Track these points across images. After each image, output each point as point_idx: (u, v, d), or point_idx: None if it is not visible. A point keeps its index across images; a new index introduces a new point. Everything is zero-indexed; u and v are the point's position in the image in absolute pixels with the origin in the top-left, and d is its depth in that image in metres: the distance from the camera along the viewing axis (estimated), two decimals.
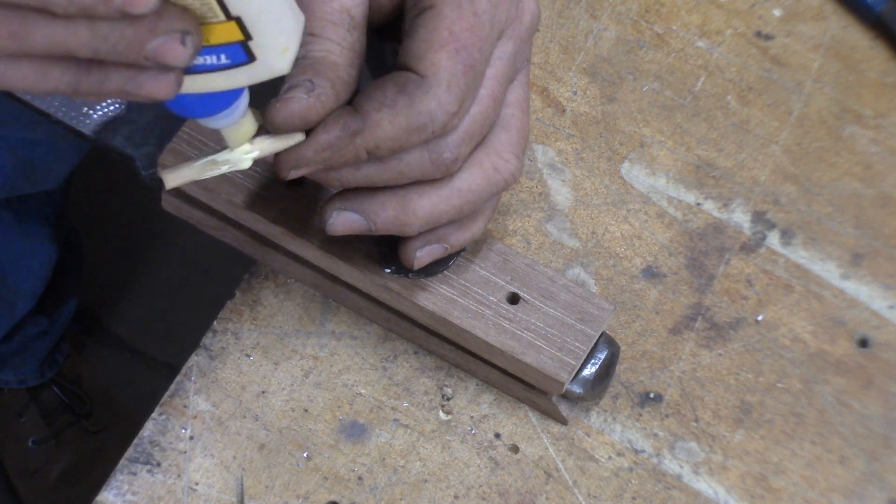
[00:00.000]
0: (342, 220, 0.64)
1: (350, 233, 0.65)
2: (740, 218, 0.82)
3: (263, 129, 0.60)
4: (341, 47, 0.61)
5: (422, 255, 0.68)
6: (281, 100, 0.59)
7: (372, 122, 0.59)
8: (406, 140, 0.60)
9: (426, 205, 0.64)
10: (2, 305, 1.51)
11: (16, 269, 1.50)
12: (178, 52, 0.49)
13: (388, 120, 0.59)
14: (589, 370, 0.73)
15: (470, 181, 0.64)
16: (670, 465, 0.75)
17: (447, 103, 0.60)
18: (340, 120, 0.60)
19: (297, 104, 0.59)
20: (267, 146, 0.60)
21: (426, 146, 0.61)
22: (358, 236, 0.72)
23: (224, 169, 0.60)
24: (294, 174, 0.61)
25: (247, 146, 0.60)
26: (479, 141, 0.64)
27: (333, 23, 0.62)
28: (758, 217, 0.82)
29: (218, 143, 0.68)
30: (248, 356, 0.76)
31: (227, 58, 0.52)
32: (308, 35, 0.61)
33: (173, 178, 0.59)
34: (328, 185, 0.63)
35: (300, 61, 0.60)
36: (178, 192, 0.75)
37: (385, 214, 0.64)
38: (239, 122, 0.58)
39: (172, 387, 0.75)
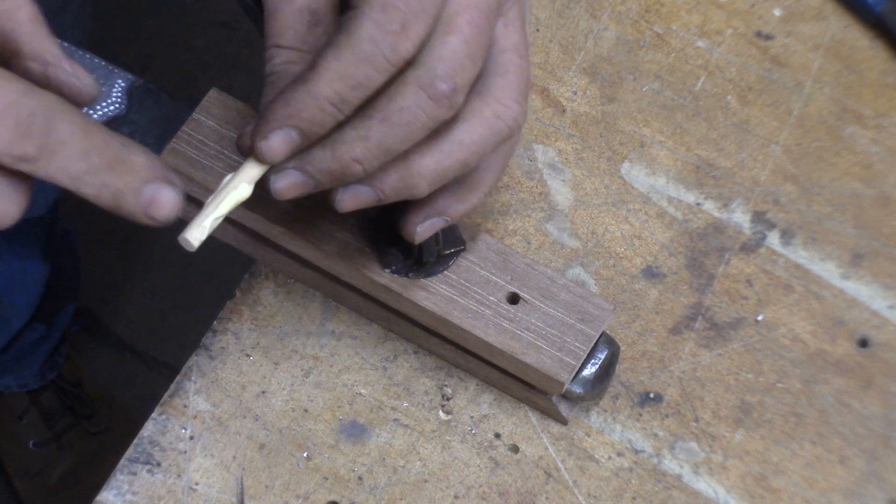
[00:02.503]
0: (350, 195, 0.63)
1: (360, 206, 0.63)
2: (740, 218, 0.82)
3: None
4: (301, 52, 0.62)
5: (423, 229, 0.66)
6: (240, 136, 0.62)
7: (320, 67, 0.58)
8: (362, 76, 0.58)
9: (429, 163, 0.62)
10: None
11: (9, 289, 1.50)
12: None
13: (333, 58, 0.58)
14: (589, 370, 0.73)
15: (471, 132, 0.62)
16: (670, 465, 0.75)
17: (386, 23, 0.58)
18: (294, 79, 0.60)
19: (247, 137, 0.61)
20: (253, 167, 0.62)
21: (417, 84, 0.59)
22: (357, 236, 0.72)
23: (232, 206, 0.61)
24: (268, 147, 0.60)
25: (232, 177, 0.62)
26: (474, 77, 0.61)
27: (293, 28, 0.62)
28: (758, 217, 0.82)
29: (217, 143, 0.68)
30: (248, 356, 0.76)
31: None
32: (273, 48, 0.62)
33: (196, 236, 0.60)
34: (348, 169, 0.61)
35: (265, 78, 0.62)
36: None
37: (390, 180, 0.62)
38: None
39: (172, 387, 0.75)
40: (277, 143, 0.60)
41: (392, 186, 0.62)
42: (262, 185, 0.62)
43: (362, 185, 0.62)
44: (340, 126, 0.60)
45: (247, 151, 0.61)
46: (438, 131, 0.62)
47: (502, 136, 0.63)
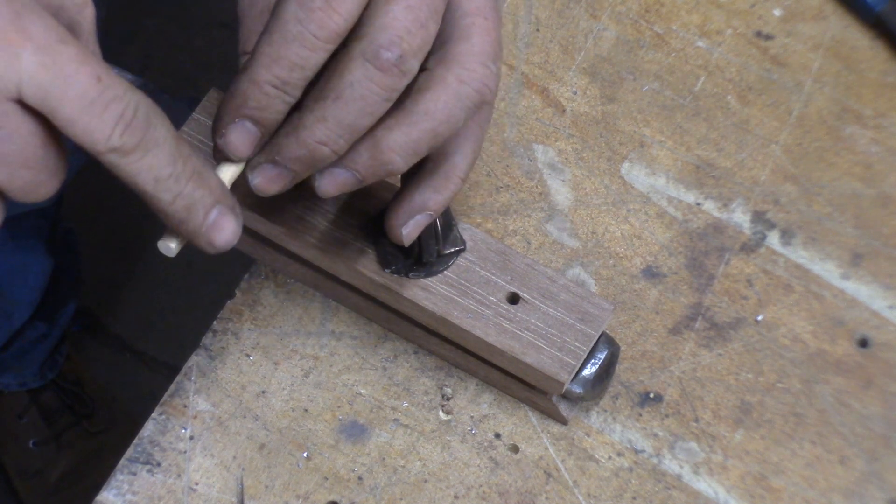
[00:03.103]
0: (328, 179, 0.62)
1: (341, 190, 0.63)
2: (740, 218, 0.82)
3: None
4: None
5: (408, 229, 0.66)
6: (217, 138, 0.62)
7: (255, 54, 0.59)
8: (295, 55, 0.58)
9: (398, 136, 0.61)
10: None
11: (11, 283, 1.50)
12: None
13: (266, 43, 0.58)
14: (589, 370, 0.73)
15: (436, 100, 0.61)
16: (670, 465, 0.75)
17: (309, 0, 0.58)
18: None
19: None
20: (224, 173, 0.62)
21: (362, 57, 0.59)
22: (357, 236, 0.72)
23: None
24: (226, 143, 0.60)
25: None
26: (426, 42, 0.60)
27: (256, 32, 0.62)
28: (758, 217, 0.82)
29: None
30: (248, 356, 0.76)
31: None
32: (242, 55, 0.63)
33: (177, 242, 0.61)
34: (317, 154, 0.61)
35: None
36: None
37: (362, 159, 0.61)
38: None
39: (172, 387, 0.75)
40: (235, 137, 0.60)
41: (365, 165, 0.62)
42: (247, 185, 0.62)
43: (337, 168, 0.62)
44: (300, 111, 0.60)
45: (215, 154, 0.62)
46: (403, 104, 0.61)
47: (471, 100, 0.62)
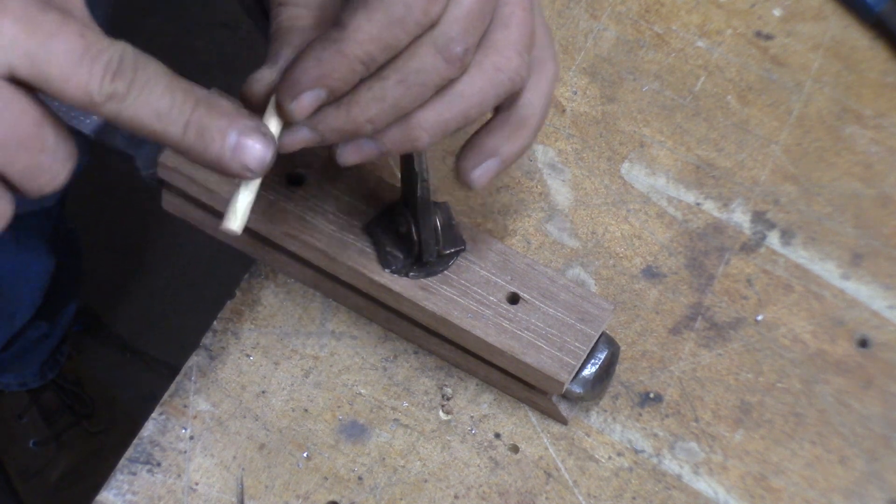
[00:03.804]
0: (353, 149, 0.62)
1: (362, 160, 0.63)
2: (740, 218, 0.82)
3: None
4: (308, 9, 0.62)
5: (479, 174, 0.66)
6: (249, 82, 0.61)
7: (351, 27, 0.58)
8: (392, 37, 0.58)
9: (430, 115, 0.62)
10: (1, 317, 1.51)
11: (14, 282, 1.50)
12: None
13: (365, 19, 0.58)
14: (589, 370, 0.73)
15: (472, 84, 0.62)
16: (670, 465, 0.75)
17: None
18: (320, 37, 0.59)
19: (260, 84, 0.60)
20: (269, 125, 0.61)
21: (434, 46, 0.59)
22: (357, 236, 0.72)
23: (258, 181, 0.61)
24: (298, 108, 0.59)
25: None
26: (482, 35, 0.61)
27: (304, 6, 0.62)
28: (758, 217, 0.82)
29: None
30: (248, 356, 0.76)
31: None
32: (278, 6, 0.62)
33: (235, 220, 0.60)
34: (360, 130, 0.61)
35: (270, 34, 0.62)
36: (178, 192, 0.75)
37: (391, 133, 0.62)
38: None
39: (172, 387, 0.75)
40: (308, 103, 0.60)
41: (394, 139, 0.62)
42: None
43: (363, 138, 0.62)
44: (355, 87, 0.60)
45: (255, 104, 0.60)
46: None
47: (503, 88, 0.63)
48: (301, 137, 0.61)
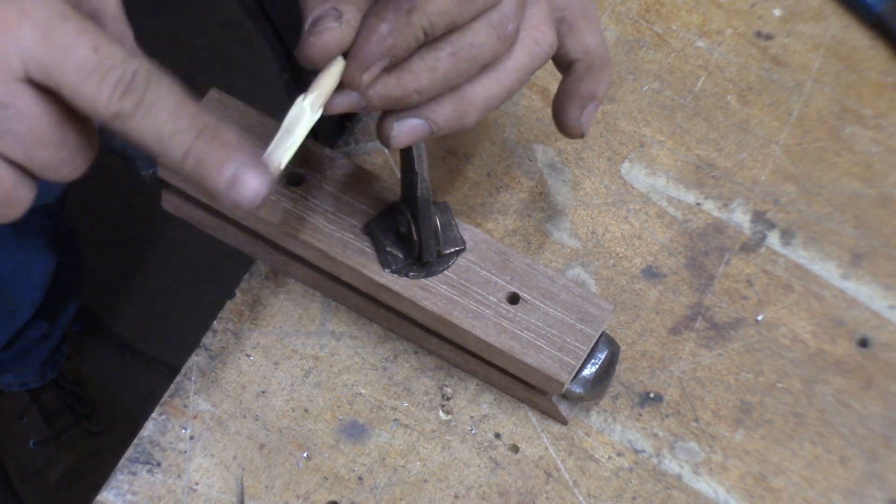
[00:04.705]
0: (406, 129, 0.62)
1: (413, 141, 0.63)
2: (740, 218, 0.82)
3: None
4: None
5: (585, 119, 0.69)
6: (313, 34, 0.59)
7: (422, 1, 0.59)
8: (460, 13, 0.59)
9: (480, 91, 0.63)
10: (1, 316, 1.51)
11: (14, 281, 1.50)
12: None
13: None
14: (589, 370, 0.73)
15: (516, 59, 0.63)
16: (670, 465, 0.75)
17: None
18: (392, 2, 0.59)
19: (330, 34, 0.59)
20: (322, 85, 0.60)
21: (489, 23, 0.60)
22: (357, 236, 0.72)
23: (306, 130, 0.60)
24: (368, 79, 0.59)
25: (301, 100, 0.60)
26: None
27: None
28: (758, 217, 0.82)
29: None
30: (248, 356, 0.76)
31: None
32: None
33: (275, 164, 0.59)
34: (407, 98, 0.61)
35: (308, 17, 0.61)
36: (178, 192, 0.75)
37: (444, 111, 0.62)
38: None
39: (172, 387, 0.75)
40: (375, 73, 0.60)
41: (446, 117, 0.63)
42: None
43: (416, 119, 0.62)
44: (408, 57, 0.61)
45: (313, 67, 0.60)
46: None
47: (540, 59, 0.65)
48: (348, 101, 0.61)
